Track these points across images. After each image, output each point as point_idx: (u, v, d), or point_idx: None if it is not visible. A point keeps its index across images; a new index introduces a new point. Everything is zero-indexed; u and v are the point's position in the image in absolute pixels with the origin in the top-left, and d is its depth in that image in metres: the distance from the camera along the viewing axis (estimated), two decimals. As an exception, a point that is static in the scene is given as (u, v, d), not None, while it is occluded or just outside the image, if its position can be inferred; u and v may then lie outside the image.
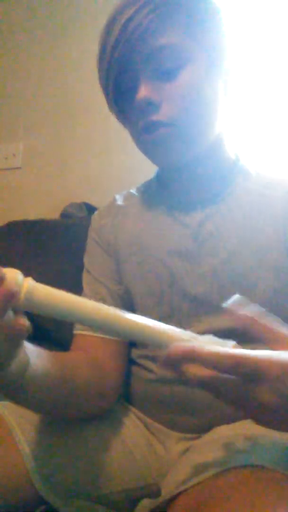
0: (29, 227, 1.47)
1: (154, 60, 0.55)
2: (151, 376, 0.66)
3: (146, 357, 0.67)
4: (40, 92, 1.73)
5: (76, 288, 1.30)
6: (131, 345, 0.70)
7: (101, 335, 0.65)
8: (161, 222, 0.67)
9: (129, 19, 0.53)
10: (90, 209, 1.47)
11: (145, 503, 0.52)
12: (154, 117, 0.56)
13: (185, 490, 0.46)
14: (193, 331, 0.42)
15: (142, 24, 0.53)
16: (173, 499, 0.47)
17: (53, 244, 1.40)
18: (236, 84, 0.64)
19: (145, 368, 0.68)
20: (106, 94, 0.61)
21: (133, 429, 0.67)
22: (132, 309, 0.68)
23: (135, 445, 0.65)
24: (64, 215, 1.51)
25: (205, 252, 0.63)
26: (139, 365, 0.69)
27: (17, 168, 1.75)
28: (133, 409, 0.70)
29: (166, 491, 0.49)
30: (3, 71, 1.81)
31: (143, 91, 0.55)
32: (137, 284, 0.68)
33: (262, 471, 0.44)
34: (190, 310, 0.63)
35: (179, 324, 0.44)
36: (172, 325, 0.43)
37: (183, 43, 0.56)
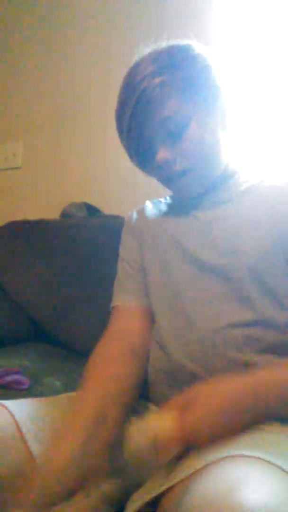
0: (29, 227, 1.47)
1: (163, 127, 0.70)
2: (160, 364, 0.70)
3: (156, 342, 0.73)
4: (40, 92, 1.73)
5: (75, 287, 1.31)
6: None
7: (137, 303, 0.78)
8: (177, 216, 0.81)
9: (142, 93, 0.68)
10: (90, 209, 1.48)
11: (136, 497, 0.52)
12: (172, 170, 0.72)
13: (172, 487, 0.47)
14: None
15: (152, 98, 0.68)
16: (162, 495, 0.47)
17: (53, 244, 1.40)
18: (232, 114, 0.76)
19: (155, 353, 0.72)
20: (130, 155, 0.75)
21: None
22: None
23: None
24: (64, 215, 1.51)
25: (211, 231, 0.74)
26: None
27: (17, 168, 1.75)
28: (136, 407, 0.71)
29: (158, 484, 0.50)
30: (3, 71, 1.81)
31: (161, 154, 0.70)
32: (152, 263, 0.80)
33: (241, 458, 0.46)
34: (195, 275, 0.73)
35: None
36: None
37: (184, 109, 0.70)
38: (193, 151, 0.71)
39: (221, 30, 1.40)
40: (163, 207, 0.88)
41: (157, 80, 0.69)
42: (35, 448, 0.56)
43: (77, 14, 1.65)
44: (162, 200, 0.91)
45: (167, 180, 0.75)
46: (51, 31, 1.71)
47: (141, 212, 0.89)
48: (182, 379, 0.66)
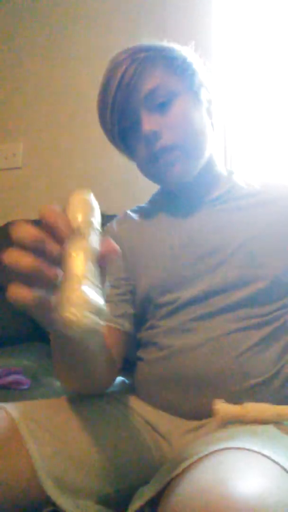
0: (29, 227, 1.47)
1: (149, 99, 0.69)
2: (156, 353, 0.70)
3: (152, 333, 0.72)
4: (40, 92, 1.73)
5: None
6: (137, 328, 0.75)
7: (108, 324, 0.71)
8: (164, 223, 0.78)
9: (123, 75, 0.68)
10: (90, 209, 1.47)
11: (140, 492, 0.52)
12: (158, 144, 0.69)
13: (172, 479, 0.47)
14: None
15: (134, 77, 0.68)
16: (164, 488, 0.47)
17: (53, 244, 1.39)
18: (217, 113, 0.78)
19: (151, 345, 0.71)
20: (112, 136, 0.74)
21: (140, 428, 0.68)
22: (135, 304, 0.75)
23: (143, 443, 0.66)
24: (64, 215, 1.51)
25: (197, 243, 0.73)
26: (145, 345, 0.73)
27: (17, 168, 1.75)
28: (139, 409, 0.71)
29: (158, 482, 0.50)
30: (3, 71, 1.81)
31: (147, 124, 0.69)
32: (141, 274, 0.75)
33: (237, 450, 0.46)
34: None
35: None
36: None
37: (167, 81, 0.70)
38: (180, 126, 0.70)
39: (221, 31, 1.40)
40: (145, 213, 0.83)
41: (143, 54, 0.69)
42: (34, 451, 0.56)
43: (77, 15, 1.65)
44: (145, 205, 0.86)
45: (151, 159, 0.71)
46: (52, 31, 1.71)
47: (122, 222, 0.84)
48: (186, 383, 0.66)
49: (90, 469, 0.58)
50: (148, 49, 0.71)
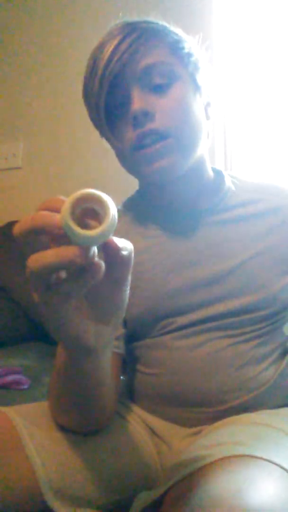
0: (29, 227, 1.47)
1: (145, 75, 0.59)
2: (153, 369, 0.67)
3: (147, 347, 0.68)
4: (40, 92, 1.73)
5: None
6: (130, 341, 0.70)
7: None
8: (156, 242, 0.69)
9: (119, 43, 0.58)
10: (90, 209, 1.48)
11: (142, 496, 0.52)
12: (150, 126, 0.59)
13: (176, 484, 0.46)
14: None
15: (132, 47, 0.58)
16: (166, 492, 0.47)
17: (53, 244, 1.40)
18: (213, 112, 0.69)
19: (145, 361, 0.68)
20: (96, 111, 0.62)
21: (141, 432, 0.67)
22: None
23: (144, 449, 0.65)
24: (64, 215, 1.51)
25: (190, 267, 0.66)
26: (139, 360, 0.70)
27: (17, 168, 1.75)
28: (139, 412, 0.70)
29: (160, 485, 0.50)
30: (3, 71, 1.81)
31: (138, 102, 0.58)
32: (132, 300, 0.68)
33: (247, 458, 0.45)
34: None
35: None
36: None
37: (170, 61, 0.61)
38: (177, 112, 0.60)
39: (222, 32, 1.40)
40: (127, 223, 0.72)
41: (145, 25, 0.60)
42: (34, 457, 0.55)
43: (77, 15, 1.65)
44: (121, 208, 0.75)
45: (137, 146, 0.60)
46: (51, 31, 1.71)
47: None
48: (184, 399, 0.64)
49: (90, 475, 0.57)
50: (151, 22, 0.62)
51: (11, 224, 1.53)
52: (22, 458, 0.54)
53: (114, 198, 0.92)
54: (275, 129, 1.33)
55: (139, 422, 0.68)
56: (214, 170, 0.72)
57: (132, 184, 0.81)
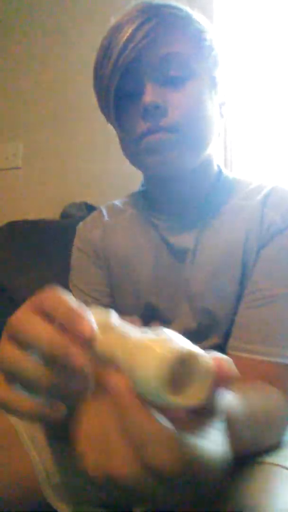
0: (29, 227, 1.47)
1: (161, 66, 0.56)
2: None
3: None
4: (40, 92, 1.73)
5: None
6: None
7: None
8: (151, 245, 0.67)
9: (137, 28, 0.54)
10: (90, 209, 1.47)
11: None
12: (161, 121, 0.56)
13: None
14: None
15: (151, 33, 0.54)
16: None
17: (53, 244, 1.40)
18: (226, 113, 0.66)
19: None
20: (105, 97, 0.59)
21: None
22: None
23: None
24: (64, 215, 1.51)
25: (189, 279, 0.63)
26: None
27: (17, 168, 1.75)
28: None
29: None
30: (3, 71, 1.81)
31: (151, 95, 0.55)
32: (124, 301, 0.67)
33: (260, 465, 0.45)
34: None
35: None
36: None
37: (189, 53, 0.57)
38: (190, 109, 0.57)
39: (222, 32, 1.40)
40: (125, 221, 0.71)
41: (167, 10, 0.55)
42: (34, 456, 0.55)
43: (77, 14, 1.65)
44: (120, 205, 0.74)
45: (146, 133, 0.57)
46: (51, 31, 1.71)
47: (99, 222, 0.72)
48: None
49: None
50: (174, 7, 0.57)
51: (11, 224, 1.52)
52: (20, 456, 0.54)
53: (114, 198, 0.92)
54: (275, 128, 1.33)
55: None
56: (219, 171, 0.68)
57: (132, 184, 0.81)
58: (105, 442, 0.26)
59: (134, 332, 0.30)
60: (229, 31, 1.41)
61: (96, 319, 0.29)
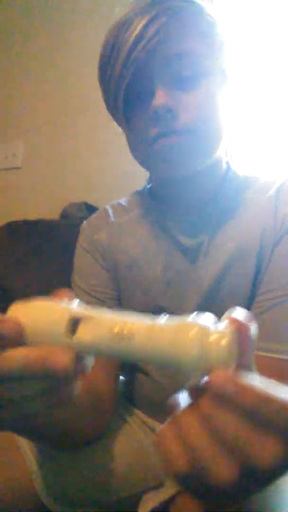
0: (29, 227, 1.47)
1: (173, 65, 0.53)
2: (154, 384, 0.66)
3: None
4: (40, 92, 1.73)
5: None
6: None
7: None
8: (161, 247, 0.65)
9: (147, 25, 0.51)
10: (90, 209, 1.47)
11: (149, 496, 0.51)
12: (172, 125, 0.54)
13: None
14: None
15: (160, 32, 0.51)
16: (176, 494, 0.47)
17: (53, 244, 1.40)
18: (236, 107, 0.63)
19: (148, 374, 0.67)
20: (114, 99, 0.57)
21: (140, 432, 0.67)
22: None
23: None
24: (64, 215, 1.50)
25: (201, 276, 0.62)
26: (142, 371, 0.69)
27: (17, 168, 1.75)
28: (138, 412, 0.69)
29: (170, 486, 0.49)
30: (3, 71, 1.81)
31: (162, 98, 0.52)
32: (132, 304, 0.66)
33: None
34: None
35: None
36: None
37: (201, 51, 0.55)
38: (202, 111, 0.54)
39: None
40: (131, 222, 0.69)
41: (179, 3, 0.52)
42: (32, 460, 0.55)
43: (77, 14, 1.65)
44: (125, 204, 0.72)
45: (158, 136, 0.55)
46: (51, 31, 1.71)
47: (105, 223, 0.70)
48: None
49: (89, 476, 0.57)
50: (185, 0, 0.53)
51: (11, 224, 1.52)
52: (18, 459, 0.54)
53: (114, 198, 0.92)
54: (275, 128, 1.33)
55: (139, 422, 0.68)
56: (227, 167, 0.67)
57: (132, 184, 0.80)
58: (198, 450, 0.26)
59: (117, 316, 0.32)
60: (228, 30, 1.41)
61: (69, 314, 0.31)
